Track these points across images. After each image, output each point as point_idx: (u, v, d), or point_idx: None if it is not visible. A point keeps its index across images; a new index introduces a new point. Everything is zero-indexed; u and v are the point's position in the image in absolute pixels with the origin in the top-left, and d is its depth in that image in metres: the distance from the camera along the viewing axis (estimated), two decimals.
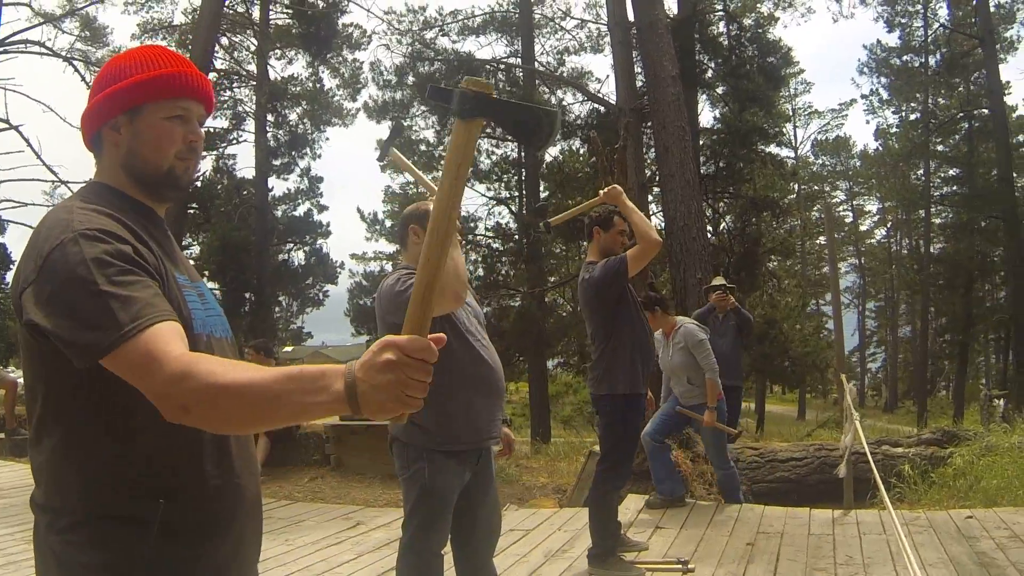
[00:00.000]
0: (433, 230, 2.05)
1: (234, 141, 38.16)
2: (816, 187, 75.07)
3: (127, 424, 2.31)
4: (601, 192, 7.75)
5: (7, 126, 34.37)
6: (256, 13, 36.56)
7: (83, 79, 37.17)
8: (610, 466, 7.72)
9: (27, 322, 2.21)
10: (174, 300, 2.39)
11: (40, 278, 2.20)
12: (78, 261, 2.17)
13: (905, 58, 51.24)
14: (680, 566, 7.70)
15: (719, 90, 34.73)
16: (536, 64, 37.33)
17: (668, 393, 10.74)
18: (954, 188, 51.86)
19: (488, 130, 35.92)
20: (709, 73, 34.12)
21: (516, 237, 36.15)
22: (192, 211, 32.48)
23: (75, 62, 37.20)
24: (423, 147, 38.83)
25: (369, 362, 2.02)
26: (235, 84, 38.34)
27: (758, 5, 37.03)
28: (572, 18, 39.87)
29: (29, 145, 36.54)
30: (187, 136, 2.61)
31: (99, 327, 2.09)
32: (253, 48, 37.47)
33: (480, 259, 35.95)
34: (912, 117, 53.33)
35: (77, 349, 2.12)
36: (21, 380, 16.98)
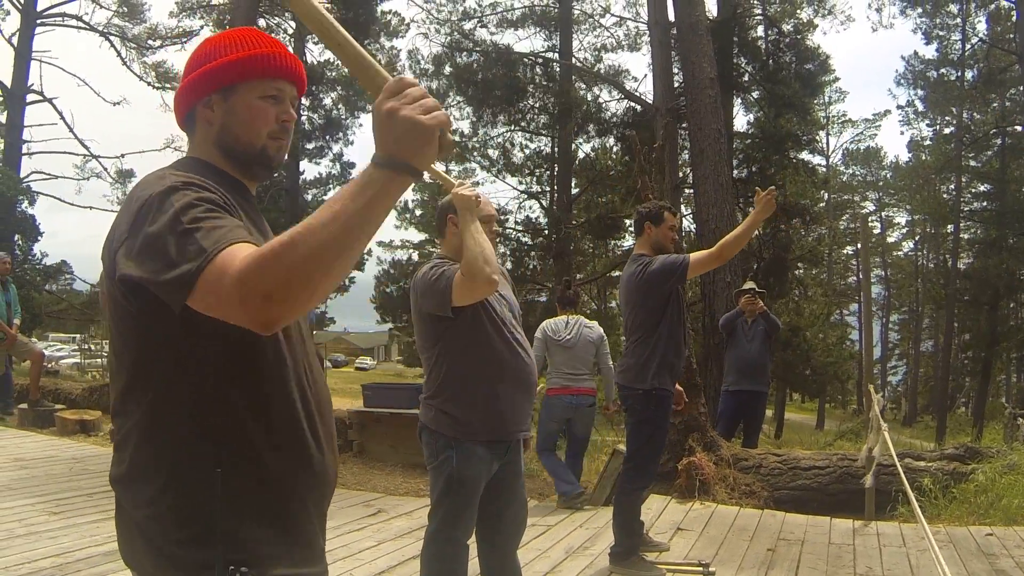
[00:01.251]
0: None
1: None
2: (846, 196, 74.88)
3: (218, 392, 2.31)
4: (764, 195, 7.70)
5: (41, 98, 34.56)
6: None
7: (119, 54, 37.44)
8: (636, 465, 7.71)
9: (121, 277, 2.18)
10: None
11: (131, 233, 2.20)
12: (168, 209, 2.16)
13: (942, 71, 51.13)
14: (701, 568, 7.72)
15: (755, 94, 34.61)
16: (573, 59, 37.27)
17: None
18: (984, 204, 51.67)
19: (523, 123, 35.93)
20: (746, 77, 34.03)
21: (545, 232, 36.14)
22: None
23: (111, 37, 37.47)
24: (457, 138, 38.90)
25: (379, 126, 2.04)
26: None
27: (798, 11, 36.88)
28: (611, 15, 40.06)
29: (62, 118, 36.94)
30: (280, 116, 2.63)
31: (185, 258, 2.04)
32: (291, 31, 37.51)
33: (509, 252, 35.93)
34: (946, 131, 53.24)
35: (168, 287, 2.07)
36: (47, 352, 17.03)
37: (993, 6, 45.44)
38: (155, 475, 2.36)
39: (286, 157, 2.74)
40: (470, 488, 5.05)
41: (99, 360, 40.30)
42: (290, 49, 2.66)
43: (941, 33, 49.05)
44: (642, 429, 7.71)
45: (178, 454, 2.33)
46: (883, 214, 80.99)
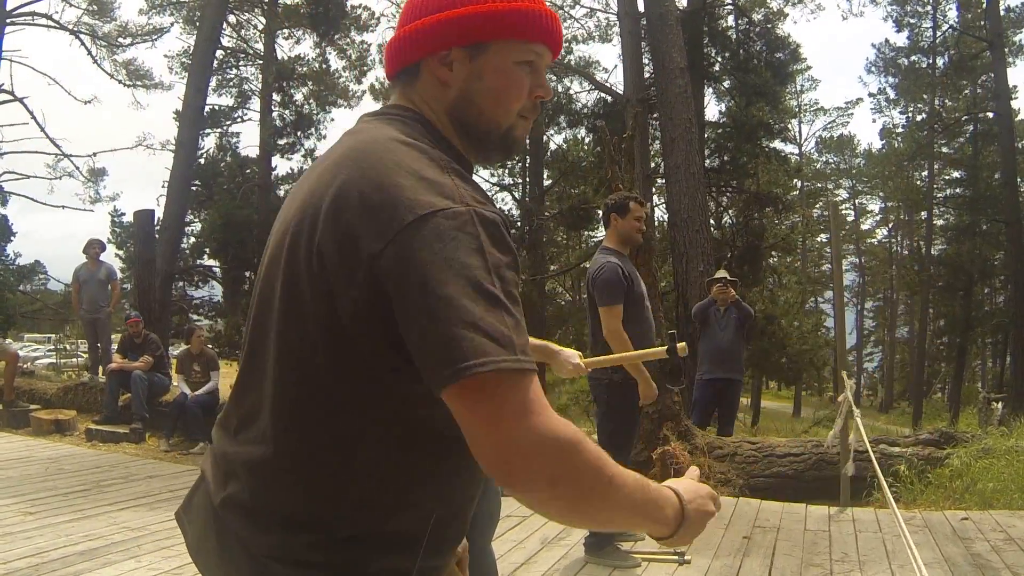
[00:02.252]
0: None
1: (239, 119, 38.05)
2: (819, 184, 74.92)
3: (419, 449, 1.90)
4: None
5: (12, 98, 34.43)
6: None
7: (89, 53, 37.30)
8: (612, 453, 7.71)
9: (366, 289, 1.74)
10: None
11: (406, 240, 1.70)
12: (476, 248, 1.71)
13: (913, 58, 51.27)
14: (676, 557, 7.70)
15: (726, 84, 34.69)
16: None
17: None
18: (957, 190, 51.93)
19: None
20: (716, 67, 34.12)
21: (519, 224, 36.13)
22: (195, 188, 32.40)
23: (82, 36, 37.28)
24: None
25: (699, 506, 1.97)
26: (241, 62, 38.33)
27: (768, 0, 37.01)
28: (581, 6, 39.93)
29: (33, 117, 36.79)
30: (535, 89, 2.10)
31: (500, 341, 1.65)
32: (261, 27, 37.45)
33: None
34: (919, 118, 53.38)
35: (453, 358, 1.63)
36: (22, 352, 16.99)
37: None
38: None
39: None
40: None
41: (74, 360, 40.21)
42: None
43: (912, 20, 49.24)
44: (610, 417, 7.70)
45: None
46: (856, 201, 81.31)
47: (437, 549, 1.97)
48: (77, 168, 38.31)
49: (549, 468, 1.65)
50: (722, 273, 14.12)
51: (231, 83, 37.63)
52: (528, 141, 36.10)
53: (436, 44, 2.03)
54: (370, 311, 1.75)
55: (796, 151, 65.14)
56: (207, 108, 29.91)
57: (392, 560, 1.89)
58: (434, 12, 2.02)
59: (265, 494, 1.91)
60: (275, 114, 36.53)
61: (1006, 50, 41.42)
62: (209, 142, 36.34)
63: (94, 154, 38.87)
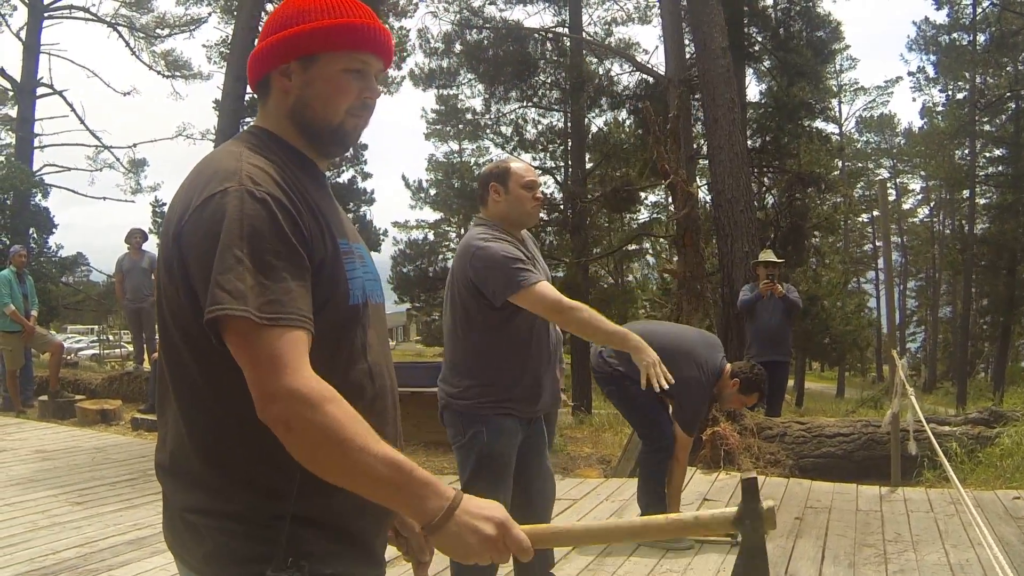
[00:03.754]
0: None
1: None
2: (860, 164, 74.38)
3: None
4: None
5: (52, 91, 34.66)
6: None
7: (127, 44, 37.63)
8: (643, 433, 7.75)
9: (175, 262, 2.18)
10: (333, 277, 2.29)
11: (191, 221, 2.15)
12: (235, 218, 2.09)
13: (954, 35, 50.76)
14: (729, 538, 7.69)
15: (766, 63, 34.53)
16: (584, 33, 37.06)
17: None
18: (1000, 168, 51.40)
19: (535, 99, 35.86)
20: (757, 46, 33.92)
21: (561, 207, 36.04)
22: None
23: (119, 28, 37.59)
24: (469, 115, 38.82)
25: (474, 517, 2.08)
26: None
27: None
28: None
29: (73, 110, 36.96)
30: (363, 92, 2.46)
31: (233, 294, 2.02)
32: None
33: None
34: (959, 96, 52.98)
35: (207, 305, 2.05)
36: (66, 344, 17.17)
37: None
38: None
39: (361, 136, 2.62)
40: (502, 463, 5.04)
41: (117, 350, 40.45)
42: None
43: None
44: (626, 405, 7.75)
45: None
46: (897, 181, 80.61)
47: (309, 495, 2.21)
48: (118, 159, 38.71)
49: (284, 415, 2.01)
50: (768, 255, 14.07)
51: None
52: (569, 124, 36.08)
53: (278, 59, 2.42)
54: (182, 279, 2.17)
55: (837, 131, 64.78)
56: (247, 97, 29.97)
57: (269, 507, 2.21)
58: (278, 31, 2.41)
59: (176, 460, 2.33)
60: None
61: None
62: None
63: (134, 145, 39.18)
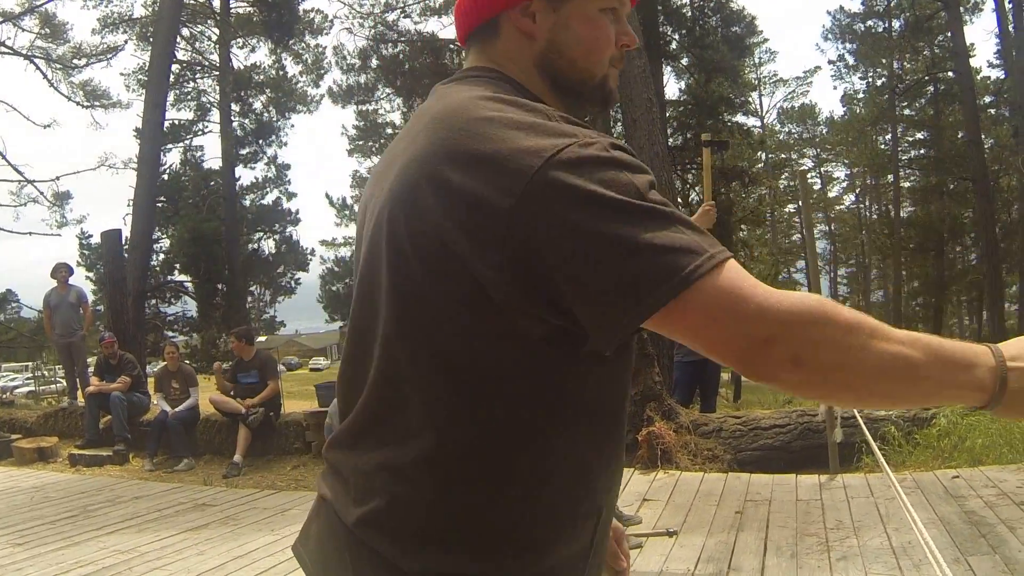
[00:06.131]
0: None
1: (200, 132, 38.08)
2: (783, 155, 75.03)
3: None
4: None
5: None
6: (216, 2, 36.43)
7: (44, 76, 37.11)
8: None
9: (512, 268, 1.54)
10: None
11: (543, 192, 1.51)
12: (610, 179, 1.53)
13: (869, 23, 51.46)
14: (667, 534, 7.71)
15: (683, 61, 34.77)
16: None
17: None
18: (922, 151, 52.25)
19: None
20: (673, 45, 34.16)
21: None
22: (161, 204, 32.23)
23: (36, 59, 37.10)
24: (390, 130, 38.83)
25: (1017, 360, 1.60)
26: (198, 75, 38.33)
27: None
28: None
29: None
30: (620, 37, 1.93)
31: (689, 249, 1.48)
32: (215, 37, 37.42)
33: None
34: (879, 82, 53.61)
35: (636, 296, 1.48)
36: (1, 383, 16.93)
37: None
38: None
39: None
40: None
41: (53, 386, 40.12)
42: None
43: None
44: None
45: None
46: (822, 169, 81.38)
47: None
48: (41, 193, 38.21)
49: (791, 348, 1.48)
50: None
51: (189, 96, 37.68)
52: None
53: None
54: (514, 276, 1.55)
55: (758, 124, 65.31)
56: (167, 123, 29.79)
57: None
58: None
59: (416, 501, 1.69)
60: (235, 124, 36.61)
61: (961, 8, 41.53)
62: (172, 157, 36.43)
63: (57, 178, 38.69)
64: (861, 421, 8.39)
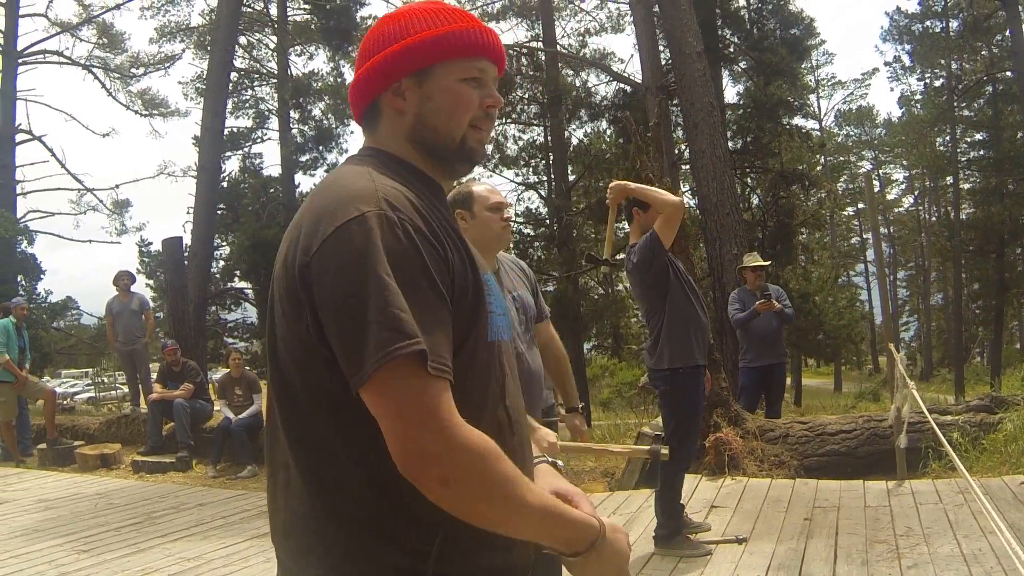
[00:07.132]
0: None
1: (259, 140, 38.25)
2: (842, 158, 74.54)
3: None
4: (607, 198, 7.74)
5: (30, 137, 34.60)
6: (274, 10, 36.51)
7: (103, 86, 37.54)
8: (676, 445, 7.69)
9: (302, 300, 1.98)
10: (475, 312, 2.13)
11: (323, 252, 1.95)
12: (376, 247, 1.90)
13: (927, 23, 50.95)
14: (736, 541, 7.73)
15: (742, 64, 34.67)
16: (558, 47, 37.21)
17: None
18: (981, 152, 51.58)
19: (514, 115, 35.91)
20: (732, 48, 34.06)
21: (547, 221, 36.12)
22: (220, 212, 32.39)
23: (94, 69, 37.53)
24: None
25: (616, 554, 2.12)
26: (256, 83, 38.55)
27: None
28: None
29: (53, 155, 37.01)
30: (484, 100, 2.28)
31: (401, 331, 1.85)
32: (273, 45, 37.66)
33: (512, 245, 35.84)
34: (936, 83, 53.19)
35: (364, 350, 1.86)
36: (59, 390, 17.12)
37: None
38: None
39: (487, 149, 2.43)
40: None
41: (113, 392, 40.40)
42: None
43: None
44: (672, 409, 7.73)
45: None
46: (880, 172, 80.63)
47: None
48: (101, 201, 38.60)
49: (444, 473, 1.87)
50: (754, 258, 13.99)
51: (248, 104, 37.83)
52: (549, 138, 36.06)
53: (388, 79, 2.25)
54: (312, 319, 1.98)
55: (817, 126, 64.87)
56: (226, 131, 29.91)
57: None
58: (380, 50, 2.26)
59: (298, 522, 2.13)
60: (294, 131, 36.60)
61: (1020, 7, 41.08)
62: (231, 164, 36.55)
63: (117, 186, 39.26)
64: (935, 426, 8.35)
